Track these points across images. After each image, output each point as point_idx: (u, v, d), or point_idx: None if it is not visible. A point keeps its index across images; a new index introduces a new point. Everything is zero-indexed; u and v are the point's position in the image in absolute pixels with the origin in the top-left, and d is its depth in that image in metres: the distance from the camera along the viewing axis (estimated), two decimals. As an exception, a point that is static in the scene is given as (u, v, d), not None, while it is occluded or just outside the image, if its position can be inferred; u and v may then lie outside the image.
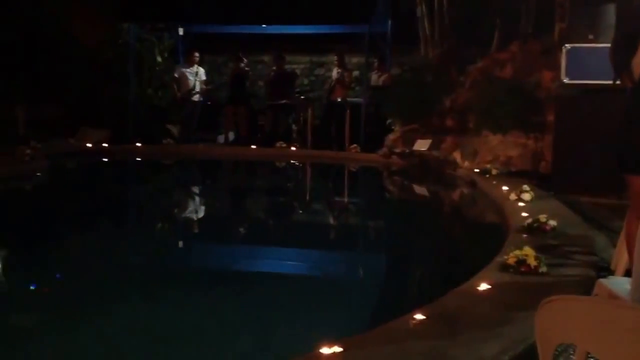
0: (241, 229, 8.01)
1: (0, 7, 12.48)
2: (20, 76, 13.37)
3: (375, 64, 14.38)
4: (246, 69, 14.91)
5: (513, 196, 7.23)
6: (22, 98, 13.44)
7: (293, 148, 13.66)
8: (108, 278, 5.17)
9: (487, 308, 3.56)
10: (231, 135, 14.85)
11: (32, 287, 5.02)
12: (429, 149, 11.58)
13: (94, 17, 14.09)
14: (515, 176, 9.48)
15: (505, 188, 7.82)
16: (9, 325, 4.05)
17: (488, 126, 10.75)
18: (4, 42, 12.60)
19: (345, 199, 10.69)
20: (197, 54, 14.61)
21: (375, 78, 14.20)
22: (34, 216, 7.79)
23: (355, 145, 13.22)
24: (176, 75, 14.68)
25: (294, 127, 14.99)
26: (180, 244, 7.31)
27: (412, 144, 11.90)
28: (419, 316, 3.32)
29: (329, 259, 6.47)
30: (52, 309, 4.30)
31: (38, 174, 10.68)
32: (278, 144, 13.68)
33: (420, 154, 11.60)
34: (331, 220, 8.83)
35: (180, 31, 15.71)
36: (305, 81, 16.74)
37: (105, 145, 13.36)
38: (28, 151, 10.77)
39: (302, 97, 15.02)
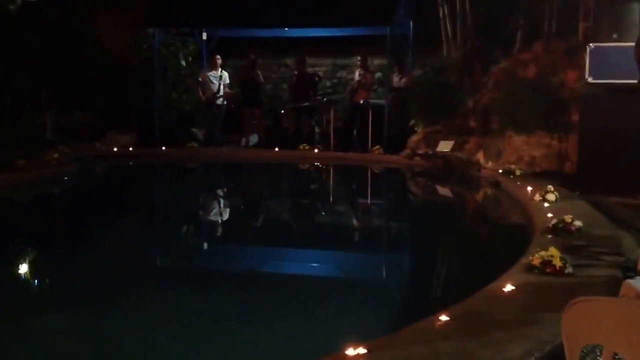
0: (266, 231, 8.05)
1: (28, 14, 12.65)
2: (48, 82, 13.56)
3: (397, 66, 14.37)
4: (258, 71, 14.92)
5: (538, 197, 7.21)
6: (50, 104, 13.63)
7: (316, 150, 13.70)
8: (136, 278, 5.25)
9: (513, 309, 3.57)
10: (254, 138, 14.92)
11: (57, 286, 5.11)
12: (452, 150, 11.57)
13: (120, 23, 14.24)
14: (539, 177, 9.44)
15: (529, 189, 7.80)
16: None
17: (512, 126, 10.72)
18: (32, 49, 12.78)
19: (369, 201, 10.71)
20: (219, 58, 14.69)
21: (397, 79, 14.18)
22: (63, 219, 7.91)
23: (378, 146, 13.22)
24: (200, 79, 14.79)
25: (316, 129, 15.02)
26: (205, 245, 7.39)
27: (435, 145, 11.89)
28: (445, 317, 3.34)
29: (354, 260, 6.49)
30: (82, 306, 4.38)
31: (66, 177, 10.82)
32: (301, 146, 13.72)
33: (443, 155, 11.58)
34: (355, 222, 8.85)
35: (204, 36, 15.80)
36: (328, 83, 16.76)
37: (131, 149, 13.51)
38: (56, 155, 10.92)
39: (324, 99, 15.04)
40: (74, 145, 12.44)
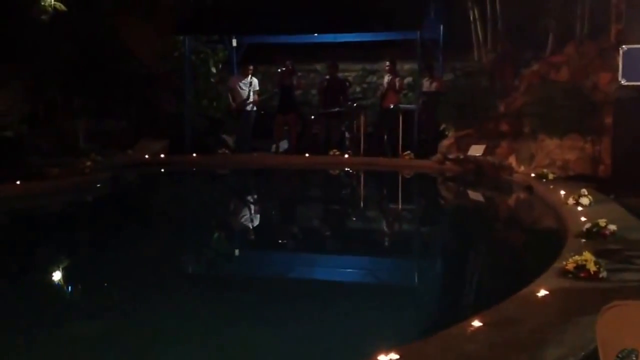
0: (296, 237, 8.07)
1: (60, 22, 12.82)
2: (80, 90, 13.73)
3: (428, 70, 14.32)
4: (293, 77, 14.97)
5: (571, 200, 7.13)
6: (82, 112, 13.79)
7: (346, 155, 13.69)
8: (167, 284, 5.29)
9: (547, 314, 3.53)
10: (284, 144, 14.97)
11: (88, 293, 5.16)
12: (484, 154, 11.48)
13: (151, 31, 14.38)
14: (573, 180, 9.34)
15: (562, 192, 7.71)
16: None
17: (544, 130, 10.62)
18: (64, 57, 12.95)
19: (400, 206, 10.67)
20: (251, 67, 14.79)
21: (427, 84, 14.14)
22: (96, 226, 7.99)
23: (408, 151, 13.17)
24: (230, 86, 14.87)
25: (347, 134, 15.02)
26: (236, 251, 7.42)
27: (467, 150, 11.81)
28: (477, 323, 3.31)
29: (386, 266, 6.48)
30: (111, 312, 4.43)
31: (98, 185, 10.94)
32: (331, 152, 13.72)
33: (475, 159, 11.51)
34: (386, 227, 8.83)
35: (234, 42, 15.92)
36: (358, 89, 16.77)
37: (162, 156, 13.62)
38: (89, 163, 11.05)
39: (354, 104, 15.04)
40: (106, 153, 12.58)
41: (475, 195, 10.96)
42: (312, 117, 15.74)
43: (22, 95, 12.91)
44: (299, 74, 15.27)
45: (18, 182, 9.31)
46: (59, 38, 12.84)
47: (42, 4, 12.48)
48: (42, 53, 12.61)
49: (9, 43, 12.02)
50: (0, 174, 9.40)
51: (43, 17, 12.52)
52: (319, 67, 16.85)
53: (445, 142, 12.58)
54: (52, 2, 12.57)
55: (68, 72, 13.12)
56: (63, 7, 12.63)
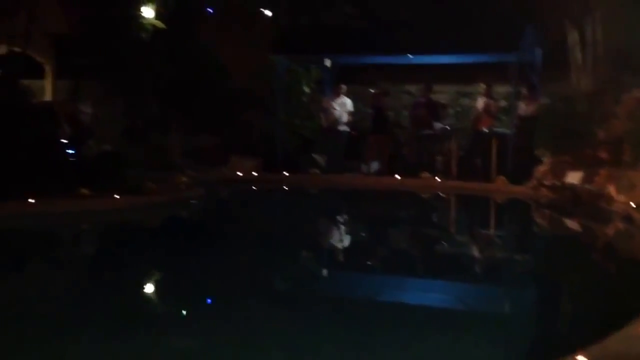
0: (386, 260, 8.01)
1: (158, 41, 13.24)
2: (177, 107, 14.12)
3: (524, 94, 14.06)
4: (385, 100, 14.96)
5: (675, 233, 6.84)
6: (178, 128, 14.17)
7: (437, 179, 13.55)
8: (256, 301, 5.35)
9: (655, 353, 3.38)
10: (375, 165, 14.95)
11: (184, 304, 5.27)
12: (581, 181, 11.16)
13: (248, 50, 14.69)
14: (677, 211, 8.96)
15: (667, 224, 7.41)
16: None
17: (646, 158, 10.26)
18: (161, 75, 13.34)
19: (492, 232, 10.47)
20: (343, 86, 14.87)
21: (523, 108, 13.86)
22: (191, 241, 8.16)
23: (501, 176, 12.94)
24: (323, 106, 15.00)
25: (438, 157, 14.88)
26: (325, 271, 7.41)
27: (563, 176, 11.50)
28: (582, 358, 3.19)
29: (477, 293, 6.33)
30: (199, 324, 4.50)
31: (193, 201, 11.18)
32: (422, 175, 13.61)
33: (571, 186, 11.20)
34: (477, 253, 8.66)
35: (327, 62, 16.07)
36: (451, 111, 16.60)
37: (254, 173, 13.83)
38: (184, 179, 11.31)
39: (447, 127, 14.89)
40: (200, 169, 12.86)
41: (571, 224, 10.62)
42: (403, 139, 15.66)
43: (121, 111, 13.39)
44: (390, 94, 15.26)
45: (116, 196, 9.62)
46: (157, 56, 13.27)
47: (142, 21, 12.93)
48: (141, 70, 13.04)
49: (110, 60, 12.50)
50: (99, 187, 9.76)
51: (143, 34, 12.97)
52: (411, 88, 16.77)
53: (540, 168, 12.31)
54: (152, 20, 13.02)
55: (165, 89, 13.51)
56: (162, 25, 13.05)
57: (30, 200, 8.75)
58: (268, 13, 15.52)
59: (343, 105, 14.78)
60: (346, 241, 9.38)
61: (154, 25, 13.11)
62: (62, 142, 10.60)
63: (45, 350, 3.96)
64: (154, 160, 12.34)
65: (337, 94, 14.93)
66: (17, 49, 11.55)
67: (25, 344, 4.08)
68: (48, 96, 13.44)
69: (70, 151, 10.59)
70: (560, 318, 5.39)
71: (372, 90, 15.40)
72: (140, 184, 10.27)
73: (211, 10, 14.97)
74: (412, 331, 4.67)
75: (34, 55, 12.95)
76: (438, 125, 14.63)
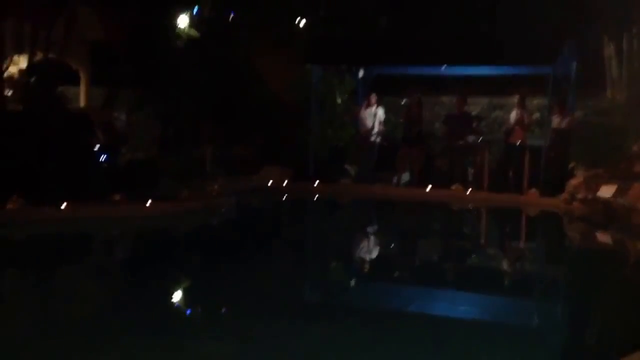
0: (414, 271, 8.00)
1: (192, 50, 13.36)
2: (210, 115, 14.23)
3: (558, 107, 13.92)
4: (418, 111, 14.92)
5: None
6: (211, 136, 14.28)
7: (469, 191, 13.48)
8: (286, 310, 5.39)
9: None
10: (406, 176, 14.91)
11: (215, 313, 5.31)
12: (615, 195, 11.00)
13: (280, 60, 14.77)
14: None
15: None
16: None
17: (682, 173, 10.10)
18: (195, 84, 13.43)
19: (523, 244, 10.38)
20: (375, 97, 14.87)
21: (557, 121, 13.71)
22: (222, 249, 8.24)
23: (534, 189, 12.83)
24: (356, 116, 15.01)
25: (470, 169, 14.80)
26: (353, 282, 7.41)
27: (596, 190, 11.36)
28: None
29: (510, 306, 6.29)
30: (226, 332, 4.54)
31: (224, 209, 11.27)
32: (454, 187, 13.55)
33: (604, 200, 11.05)
34: (507, 266, 8.60)
35: (361, 73, 16.09)
36: (483, 123, 16.49)
37: (286, 183, 13.88)
38: (216, 187, 11.41)
39: (479, 139, 14.80)
40: (232, 177, 12.95)
41: (604, 238, 10.50)
42: (435, 150, 15.60)
43: (154, 119, 13.53)
44: (423, 105, 15.21)
45: (149, 203, 9.75)
46: (192, 65, 13.39)
47: (177, 31, 13.07)
48: (175, 79, 13.17)
49: (144, 68, 12.64)
50: (133, 194, 9.90)
51: (178, 43, 13.09)
52: (444, 99, 16.71)
53: (573, 181, 12.17)
54: (187, 30, 13.15)
55: (199, 97, 13.62)
56: (196, 34, 13.17)
57: (64, 205, 8.91)
58: (303, 23, 15.60)
59: (375, 116, 14.78)
60: (374, 252, 9.38)
61: (188, 35, 13.25)
62: (96, 149, 10.75)
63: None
64: (187, 169, 12.46)
65: (369, 104, 14.93)
66: (53, 56, 11.74)
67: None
68: (82, 103, 13.61)
69: (104, 158, 10.73)
70: (591, 333, 5.33)
71: (405, 101, 15.35)
72: (175, 192, 10.39)
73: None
74: (444, 343, 4.67)
75: (69, 61, 13.14)
76: (471, 138, 14.54)
